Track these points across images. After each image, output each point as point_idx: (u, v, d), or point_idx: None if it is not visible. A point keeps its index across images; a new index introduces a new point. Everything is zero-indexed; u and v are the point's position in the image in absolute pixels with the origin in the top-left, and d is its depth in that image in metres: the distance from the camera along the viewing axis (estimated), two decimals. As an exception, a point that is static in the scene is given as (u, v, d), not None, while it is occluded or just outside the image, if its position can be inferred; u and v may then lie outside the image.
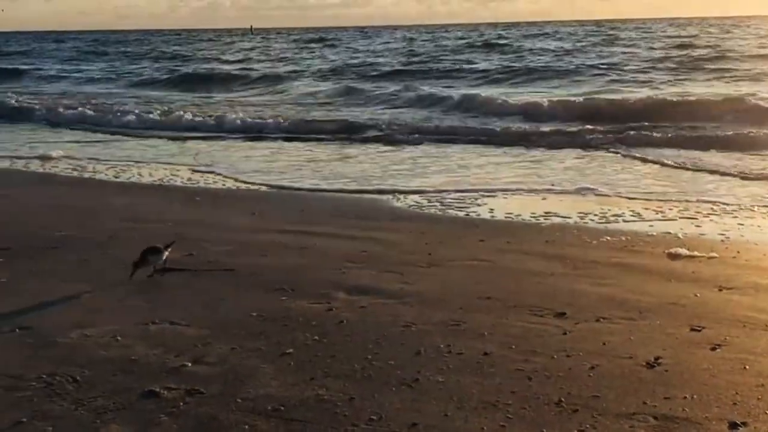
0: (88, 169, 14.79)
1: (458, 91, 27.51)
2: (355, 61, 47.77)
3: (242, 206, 11.05)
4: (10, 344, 5.61)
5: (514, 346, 5.51)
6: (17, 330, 5.88)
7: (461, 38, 76.97)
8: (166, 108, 25.79)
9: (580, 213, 10.17)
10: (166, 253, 7.42)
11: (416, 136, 18.89)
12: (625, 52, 46.65)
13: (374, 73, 37.80)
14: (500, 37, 74.86)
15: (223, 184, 13.22)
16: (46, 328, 5.89)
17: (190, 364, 5.26)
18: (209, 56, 57.71)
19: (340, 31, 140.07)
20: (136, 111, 24.40)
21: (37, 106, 25.92)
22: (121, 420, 4.48)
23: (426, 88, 28.15)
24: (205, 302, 6.59)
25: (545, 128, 19.11)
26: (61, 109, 25.12)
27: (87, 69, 48.74)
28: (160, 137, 20.27)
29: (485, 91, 27.12)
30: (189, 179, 13.71)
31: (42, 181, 13.58)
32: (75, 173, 14.45)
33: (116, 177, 14.02)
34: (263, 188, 12.89)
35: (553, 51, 50.43)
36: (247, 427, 4.42)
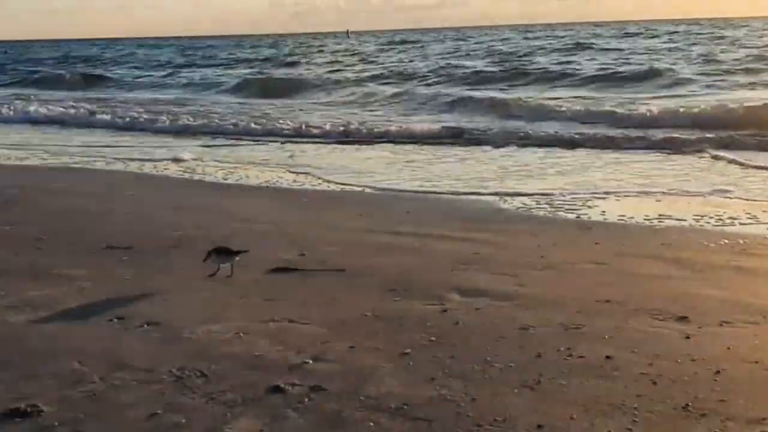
0: (198, 171, 15.18)
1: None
2: (446, 63, 47.27)
3: (349, 208, 11.19)
4: (140, 339, 5.81)
5: (636, 350, 5.43)
6: (146, 325, 6.08)
7: (555, 38, 75.46)
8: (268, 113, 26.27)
9: (695, 215, 9.96)
10: (236, 259, 7.47)
11: (521, 138, 18.76)
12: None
13: (467, 77, 37.47)
14: (594, 35, 72.79)
15: (327, 186, 13.37)
16: (173, 324, 6.08)
17: (311, 362, 5.35)
18: (303, 60, 58.04)
19: (435, 32, 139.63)
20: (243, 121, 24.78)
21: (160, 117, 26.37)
22: (250, 413, 4.59)
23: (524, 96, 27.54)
24: (321, 301, 6.70)
25: (656, 134, 18.62)
26: (185, 119, 25.62)
27: (187, 74, 49.80)
28: (268, 142, 20.56)
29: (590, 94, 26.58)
30: (294, 181, 13.92)
31: (162, 184, 13.97)
32: (186, 175, 14.84)
33: (225, 179, 14.34)
34: (367, 190, 12.99)
35: (652, 51, 49.15)
36: (372, 424, 4.47)
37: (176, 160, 16.67)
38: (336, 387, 4.95)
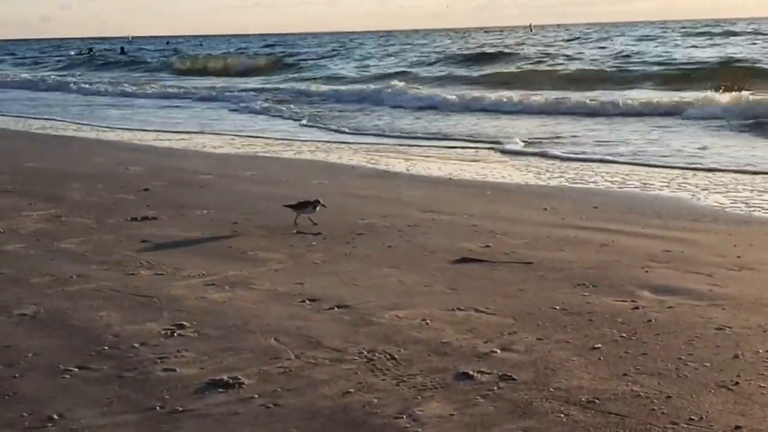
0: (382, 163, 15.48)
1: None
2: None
3: (533, 201, 11.09)
4: (331, 320, 6.00)
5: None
6: (335, 308, 6.27)
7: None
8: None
9: None
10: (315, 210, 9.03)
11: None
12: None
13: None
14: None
15: (511, 179, 13.32)
16: (362, 308, 6.24)
17: (499, 351, 5.35)
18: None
19: (616, 26, 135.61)
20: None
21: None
22: (439, 398, 4.65)
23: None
24: (507, 292, 6.68)
25: None
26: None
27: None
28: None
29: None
30: (478, 173, 13.96)
31: (343, 172, 14.34)
32: (371, 165, 15.17)
33: (408, 170, 14.54)
34: (552, 183, 12.85)
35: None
36: (563, 416, 4.43)
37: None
38: (525, 377, 4.93)
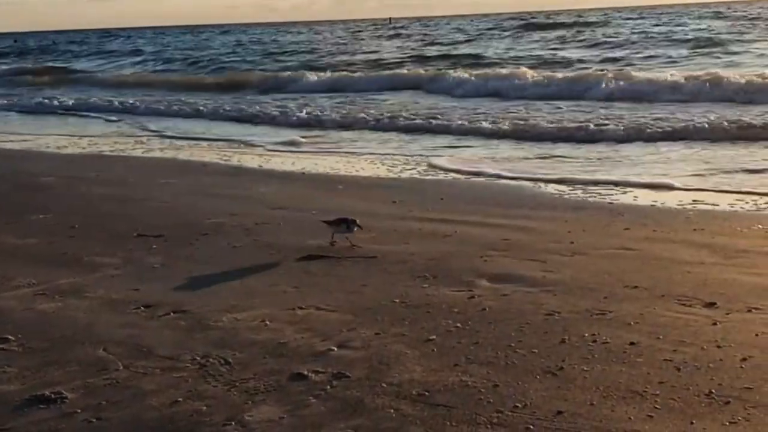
0: (234, 159, 15.30)
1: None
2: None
3: (383, 194, 11.18)
4: (165, 327, 5.90)
5: (661, 336, 5.39)
6: (172, 313, 6.17)
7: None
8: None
9: (730, 201, 9.81)
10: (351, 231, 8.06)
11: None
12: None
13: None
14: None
15: (362, 173, 13.40)
16: (200, 312, 6.16)
17: (336, 349, 5.39)
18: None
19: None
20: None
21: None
22: (271, 401, 4.64)
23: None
24: (349, 288, 6.73)
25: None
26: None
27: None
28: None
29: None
30: (332, 168, 13.98)
31: (198, 171, 14.08)
32: (224, 162, 14.96)
33: (261, 166, 14.42)
34: (403, 176, 13.00)
35: None
36: (392, 411, 4.49)
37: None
38: (359, 374, 4.98)
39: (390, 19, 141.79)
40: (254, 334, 5.68)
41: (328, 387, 4.81)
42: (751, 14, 64.09)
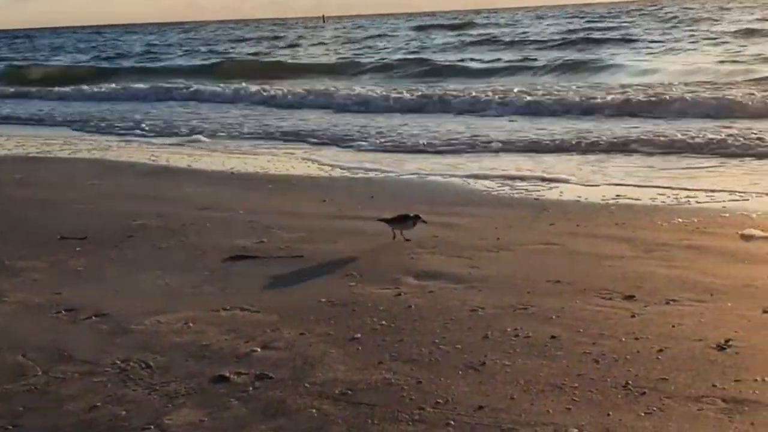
0: (163, 159, 15.10)
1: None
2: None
3: (314, 193, 11.14)
4: (87, 331, 5.82)
5: (581, 330, 5.48)
6: (94, 317, 6.08)
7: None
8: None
9: (651, 195, 10.01)
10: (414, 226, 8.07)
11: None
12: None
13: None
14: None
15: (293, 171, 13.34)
16: (122, 315, 6.08)
17: (259, 350, 5.37)
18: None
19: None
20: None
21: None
22: (192, 404, 4.60)
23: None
24: (275, 288, 6.72)
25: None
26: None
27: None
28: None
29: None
30: (262, 167, 13.88)
31: (125, 171, 13.86)
32: (152, 162, 14.75)
33: (189, 166, 14.26)
34: (334, 174, 12.97)
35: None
36: (314, 411, 4.49)
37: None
38: (282, 374, 4.97)
39: (323, 17, 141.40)
40: (177, 337, 5.63)
41: (251, 389, 4.79)
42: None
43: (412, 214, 8.11)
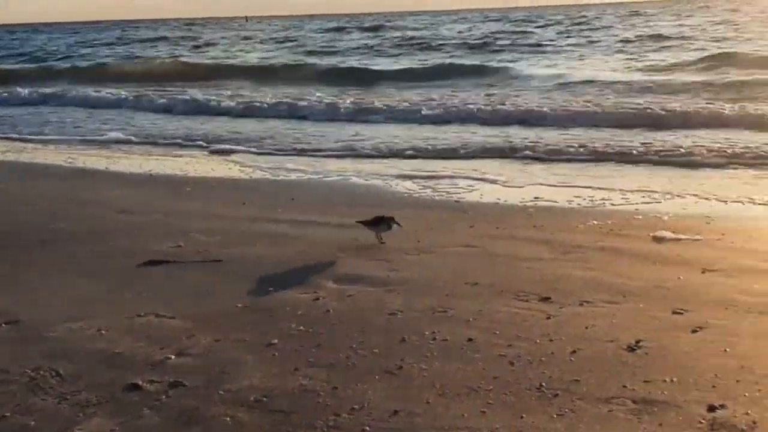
0: (80, 161, 14.77)
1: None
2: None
3: (233, 196, 11.03)
4: (-3, 339, 5.64)
5: (498, 332, 5.53)
6: (3, 325, 5.91)
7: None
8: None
9: (568, 197, 10.17)
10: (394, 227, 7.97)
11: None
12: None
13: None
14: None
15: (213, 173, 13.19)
16: (34, 323, 5.93)
17: (173, 357, 5.28)
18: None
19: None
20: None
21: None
22: (103, 413, 4.50)
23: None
24: (192, 294, 6.62)
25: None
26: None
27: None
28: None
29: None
30: (181, 169, 13.69)
31: (40, 174, 13.52)
32: (68, 165, 14.42)
33: (107, 168, 13.98)
34: (255, 176, 12.85)
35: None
36: (228, 419, 4.44)
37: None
38: (196, 382, 4.90)
39: (246, 17, 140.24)
40: (89, 344, 5.51)
41: (164, 397, 4.71)
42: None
43: (386, 216, 8.03)
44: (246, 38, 64.50)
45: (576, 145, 14.20)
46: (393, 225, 7.99)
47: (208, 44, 58.33)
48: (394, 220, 8.01)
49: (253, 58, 42.92)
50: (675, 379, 4.70)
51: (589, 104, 19.40)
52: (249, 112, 22.48)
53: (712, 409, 4.36)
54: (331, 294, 6.50)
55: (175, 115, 22.76)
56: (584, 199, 10.01)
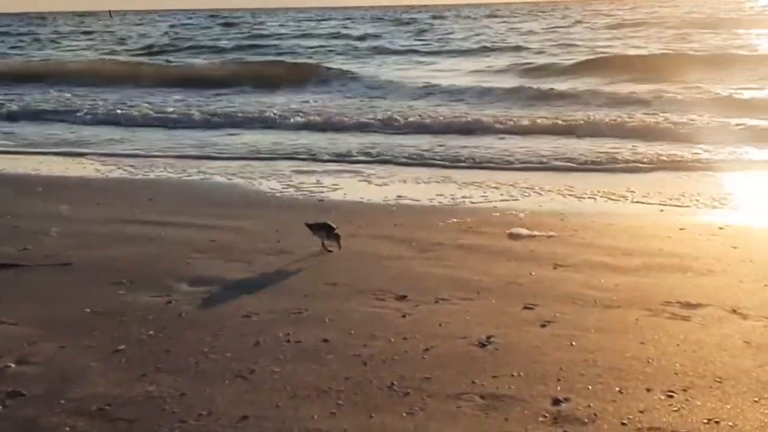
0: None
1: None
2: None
3: (88, 195, 10.64)
4: None
5: (353, 332, 5.50)
6: None
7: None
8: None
9: (431, 196, 10.27)
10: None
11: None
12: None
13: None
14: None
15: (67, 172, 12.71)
16: None
17: (13, 365, 5.03)
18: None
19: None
20: None
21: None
22: (-69, 429, 4.23)
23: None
24: (37, 299, 6.34)
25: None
26: None
27: None
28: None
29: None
30: (34, 168, 13.13)
31: None
32: None
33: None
34: (112, 176, 12.44)
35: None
36: (68, 429, 4.25)
37: None
38: (36, 391, 4.68)
39: (110, 12, 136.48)
40: None
41: (1, 407, 4.47)
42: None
43: (330, 225, 7.63)
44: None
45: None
46: (333, 236, 7.58)
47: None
48: (334, 230, 7.59)
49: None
50: (522, 374, 4.78)
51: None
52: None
53: (556, 402, 4.44)
54: (184, 297, 6.33)
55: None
56: (445, 197, 10.12)
